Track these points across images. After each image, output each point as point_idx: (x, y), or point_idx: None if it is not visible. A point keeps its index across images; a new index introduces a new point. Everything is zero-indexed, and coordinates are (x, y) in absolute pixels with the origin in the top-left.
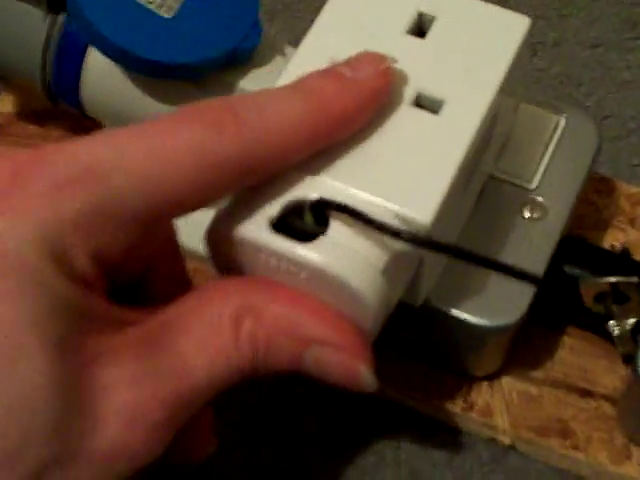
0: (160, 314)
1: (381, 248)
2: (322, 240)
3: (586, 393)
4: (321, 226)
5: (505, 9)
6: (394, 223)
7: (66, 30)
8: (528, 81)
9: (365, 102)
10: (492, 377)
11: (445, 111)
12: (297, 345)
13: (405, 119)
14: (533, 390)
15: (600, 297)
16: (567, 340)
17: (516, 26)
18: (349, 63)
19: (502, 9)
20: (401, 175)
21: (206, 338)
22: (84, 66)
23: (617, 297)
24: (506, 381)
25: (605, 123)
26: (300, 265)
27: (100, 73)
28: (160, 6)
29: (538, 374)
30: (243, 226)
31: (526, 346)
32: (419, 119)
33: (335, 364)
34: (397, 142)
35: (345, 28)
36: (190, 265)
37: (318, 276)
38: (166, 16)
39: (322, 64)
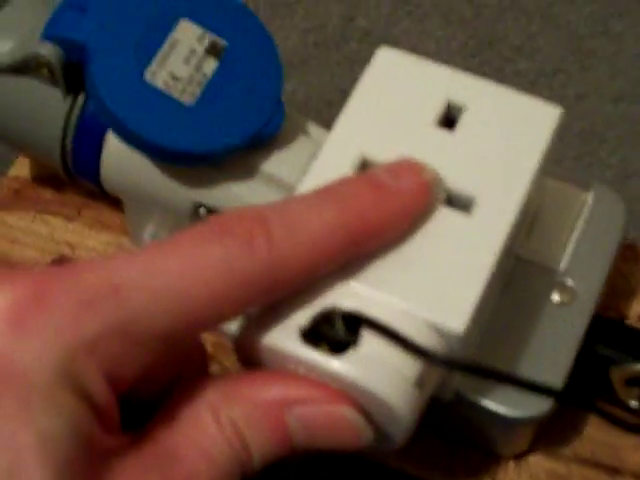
0: (157, 427)
1: (414, 360)
2: (354, 352)
3: (615, 471)
4: (351, 334)
5: (535, 98)
6: (426, 337)
7: (85, 111)
8: None
9: (404, 215)
10: (519, 455)
11: (477, 210)
12: (275, 411)
13: (436, 220)
14: (561, 469)
15: (631, 381)
16: (595, 416)
17: (547, 118)
18: (389, 170)
19: (533, 98)
20: (433, 280)
21: (196, 439)
22: (104, 148)
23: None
24: (533, 459)
25: (630, 182)
26: (332, 377)
27: (120, 155)
28: (182, 92)
29: (566, 452)
30: (273, 335)
31: (553, 423)
32: (450, 220)
33: (317, 418)
34: (428, 245)
35: (374, 119)
36: (211, 339)
37: (350, 388)
38: (187, 102)
39: (351, 158)
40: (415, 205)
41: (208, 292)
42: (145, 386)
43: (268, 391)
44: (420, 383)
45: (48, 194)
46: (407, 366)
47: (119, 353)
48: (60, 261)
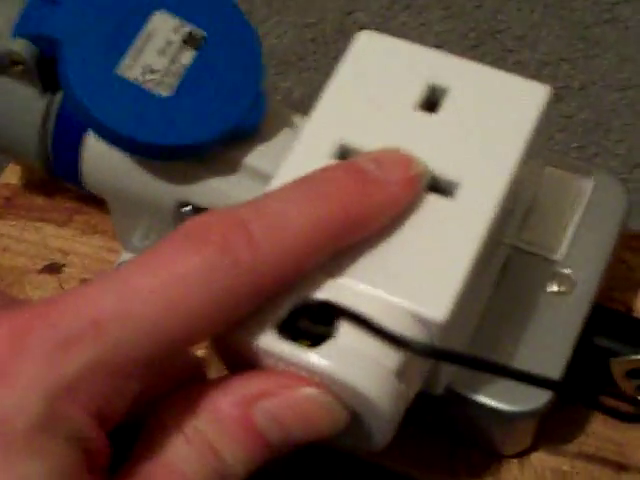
0: (137, 457)
1: (393, 350)
2: (331, 344)
3: (620, 468)
4: (330, 326)
5: (523, 78)
6: (405, 326)
7: (63, 109)
8: (554, 130)
9: (391, 208)
10: (522, 453)
11: (460, 194)
12: (240, 411)
13: (419, 206)
14: (565, 466)
15: (632, 373)
16: (599, 412)
17: (535, 97)
18: (376, 160)
19: (520, 78)
20: (414, 269)
21: (170, 463)
22: (83, 146)
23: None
24: (536, 457)
25: (637, 171)
26: (310, 371)
27: (100, 153)
28: (158, 84)
29: (570, 449)
30: (250, 330)
31: (557, 419)
32: (433, 205)
33: (285, 407)
34: (409, 232)
35: (353, 104)
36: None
37: (329, 381)
38: (164, 95)
39: (330, 146)
40: (403, 198)
41: (190, 308)
42: (138, 407)
43: (230, 393)
44: (402, 374)
45: (39, 201)
46: (386, 356)
47: (105, 389)
48: (51, 268)
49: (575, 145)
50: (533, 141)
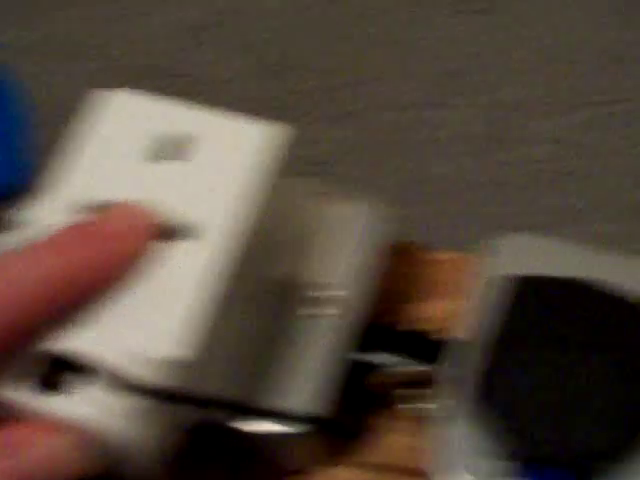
0: None
1: (129, 393)
2: (70, 391)
3: (418, 473)
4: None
5: (259, 122)
6: (145, 369)
7: None
8: (337, 157)
9: (120, 260)
10: (325, 468)
11: (200, 238)
12: (6, 466)
13: (161, 252)
14: (365, 478)
15: (396, 384)
16: (388, 422)
17: (267, 140)
18: (105, 216)
19: (255, 123)
20: (153, 313)
21: None
22: None
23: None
24: (338, 472)
25: (413, 187)
26: (62, 420)
27: None
28: None
29: (369, 459)
30: None
31: (351, 433)
32: (175, 250)
33: (42, 457)
34: (151, 278)
35: (96, 163)
36: None
37: (78, 427)
38: None
39: (72, 205)
40: (132, 249)
41: None
42: None
43: None
44: (149, 414)
45: None
46: (123, 400)
47: None
48: None
49: (357, 168)
50: (270, 179)
